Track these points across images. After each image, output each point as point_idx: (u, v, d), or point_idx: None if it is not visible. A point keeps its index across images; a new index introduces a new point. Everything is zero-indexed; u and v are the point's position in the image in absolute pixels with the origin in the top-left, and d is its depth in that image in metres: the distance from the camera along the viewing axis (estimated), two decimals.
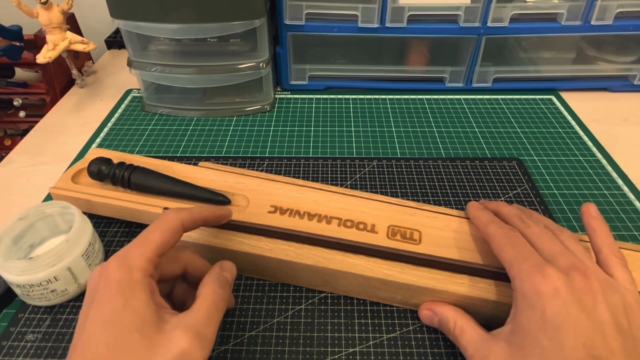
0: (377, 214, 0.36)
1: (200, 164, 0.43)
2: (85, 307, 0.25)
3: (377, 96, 0.63)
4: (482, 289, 0.32)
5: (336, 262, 0.34)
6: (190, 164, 0.43)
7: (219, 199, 0.38)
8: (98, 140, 0.55)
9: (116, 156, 0.42)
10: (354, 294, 0.36)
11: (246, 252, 0.35)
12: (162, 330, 0.24)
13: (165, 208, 0.37)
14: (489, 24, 0.56)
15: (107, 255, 0.40)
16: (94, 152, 0.43)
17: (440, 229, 0.35)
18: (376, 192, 0.44)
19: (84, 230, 0.36)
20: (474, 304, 0.33)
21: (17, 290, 0.34)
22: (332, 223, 0.36)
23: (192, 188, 0.38)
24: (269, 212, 0.37)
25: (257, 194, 0.38)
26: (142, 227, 0.41)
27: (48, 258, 0.33)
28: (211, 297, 0.26)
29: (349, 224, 0.36)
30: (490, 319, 0.33)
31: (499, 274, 0.32)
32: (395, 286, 0.33)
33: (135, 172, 0.39)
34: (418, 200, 0.44)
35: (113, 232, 0.42)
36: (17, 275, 0.33)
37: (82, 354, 0.23)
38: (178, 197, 0.38)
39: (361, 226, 0.35)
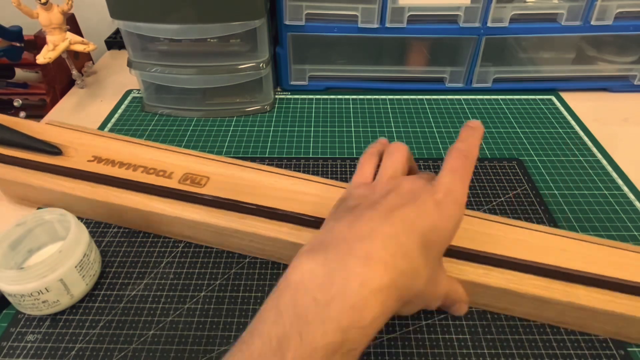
0: (177, 164, 0.43)
1: (47, 121, 0.48)
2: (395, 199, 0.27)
3: (377, 96, 0.63)
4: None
5: (132, 201, 0.40)
6: None
7: (53, 150, 0.43)
8: None
9: None
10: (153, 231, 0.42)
11: (76, 195, 0.41)
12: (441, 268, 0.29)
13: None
14: (489, 24, 0.56)
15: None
16: None
17: (227, 177, 0.42)
18: None
19: (79, 241, 0.35)
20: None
21: (10, 299, 0.34)
22: (138, 170, 0.42)
23: (24, 137, 0.43)
24: (89, 160, 0.43)
25: (84, 147, 0.45)
26: (135, 233, 0.41)
27: (39, 269, 0.32)
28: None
29: (151, 171, 0.42)
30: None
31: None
32: (181, 222, 0.39)
33: None
34: None
35: (113, 232, 0.42)
36: (7, 285, 0.32)
37: (370, 230, 0.25)
38: (11, 145, 0.44)
39: (161, 173, 0.42)
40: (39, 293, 0.33)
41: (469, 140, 0.30)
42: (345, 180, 0.47)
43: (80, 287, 0.35)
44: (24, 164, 0.43)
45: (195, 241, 0.41)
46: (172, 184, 0.41)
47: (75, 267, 0.34)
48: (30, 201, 0.45)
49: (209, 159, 0.44)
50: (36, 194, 0.43)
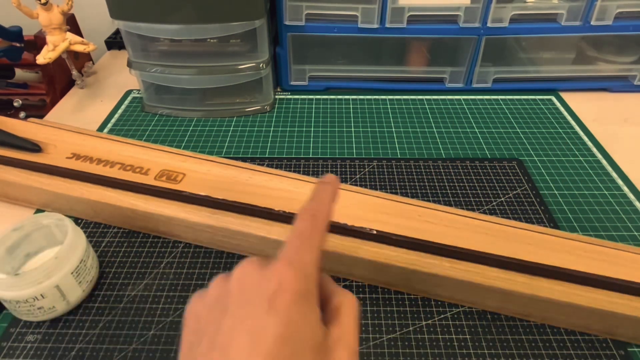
0: (155, 161, 0.43)
1: (30, 119, 0.49)
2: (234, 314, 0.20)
3: (377, 96, 0.63)
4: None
5: (104, 195, 0.41)
6: None
7: (33, 147, 0.44)
8: None
9: None
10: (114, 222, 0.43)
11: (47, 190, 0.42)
12: (328, 349, 0.21)
13: None
14: (489, 25, 0.56)
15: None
16: None
17: (203, 173, 0.42)
18: None
19: (76, 247, 0.35)
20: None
21: (6, 305, 0.34)
22: (115, 167, 0.43)
23: (4, 134, 0.44)
24: (67, 157, 0.44)
25: (64, 144, 0.46)
26: (135, 233, 0.41)
27: (35, 275, 0.32)
28: (352, 309, 0.23)
29: (128, 168, 0.43)
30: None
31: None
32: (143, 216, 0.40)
33: None
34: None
35: (113, 232, 0.42)
36: (2, 291, 0.32)
37: None
38: None
39: (137, 170, 0.42)
40: (34, 299, 0.33)
41: (320, 196, 0.26)
42: (345, 180, 0.47)
43: (76, 293, 0.35)
44: (3, 161, 0.44)
45: (171, 237, 0.41)
46: (148, 180, 0.41)
47: (72, 273, 0.34)
48: (10, 198, 0.45)
49: (188, 156, 0.44)
50: (14, 191, 0.44)
